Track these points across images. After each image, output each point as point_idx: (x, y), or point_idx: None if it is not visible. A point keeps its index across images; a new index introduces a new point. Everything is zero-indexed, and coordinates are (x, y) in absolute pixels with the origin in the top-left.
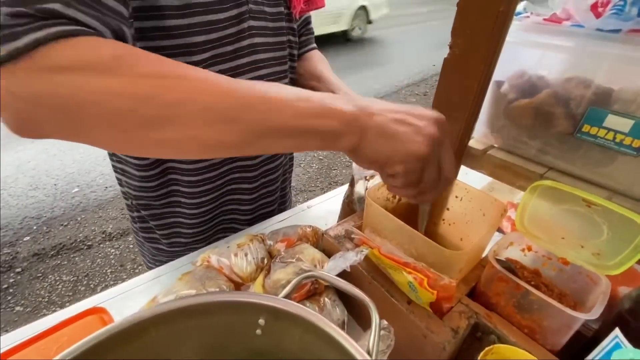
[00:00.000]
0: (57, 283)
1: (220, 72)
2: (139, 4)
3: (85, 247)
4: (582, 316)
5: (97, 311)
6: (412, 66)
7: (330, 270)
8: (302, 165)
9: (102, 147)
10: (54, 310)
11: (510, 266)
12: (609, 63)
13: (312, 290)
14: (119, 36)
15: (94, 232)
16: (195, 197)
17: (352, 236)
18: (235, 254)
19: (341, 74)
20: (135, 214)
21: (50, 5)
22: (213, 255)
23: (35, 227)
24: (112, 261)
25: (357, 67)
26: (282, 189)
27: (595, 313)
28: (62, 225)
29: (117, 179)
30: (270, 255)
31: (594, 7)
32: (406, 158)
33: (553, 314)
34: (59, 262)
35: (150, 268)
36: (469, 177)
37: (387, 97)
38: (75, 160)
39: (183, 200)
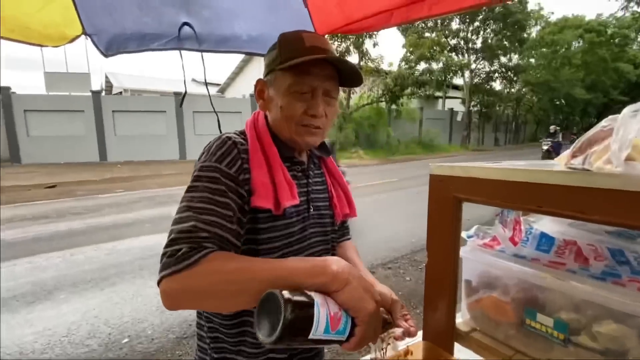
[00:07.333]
0: None
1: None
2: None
3: None
4: None
5: None
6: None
7: None
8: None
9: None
10: None
11: None
12: (519, 280)
13: None
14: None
15: None
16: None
17: None
18: None
19: None
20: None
21: (204, 244)
22: None
23: None
24: None
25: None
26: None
27: None
28: None
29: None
30: None
31: (511, 239)
32: (366, 309)
33: None
34: None
35: None
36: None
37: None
38: (132, 308)
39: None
